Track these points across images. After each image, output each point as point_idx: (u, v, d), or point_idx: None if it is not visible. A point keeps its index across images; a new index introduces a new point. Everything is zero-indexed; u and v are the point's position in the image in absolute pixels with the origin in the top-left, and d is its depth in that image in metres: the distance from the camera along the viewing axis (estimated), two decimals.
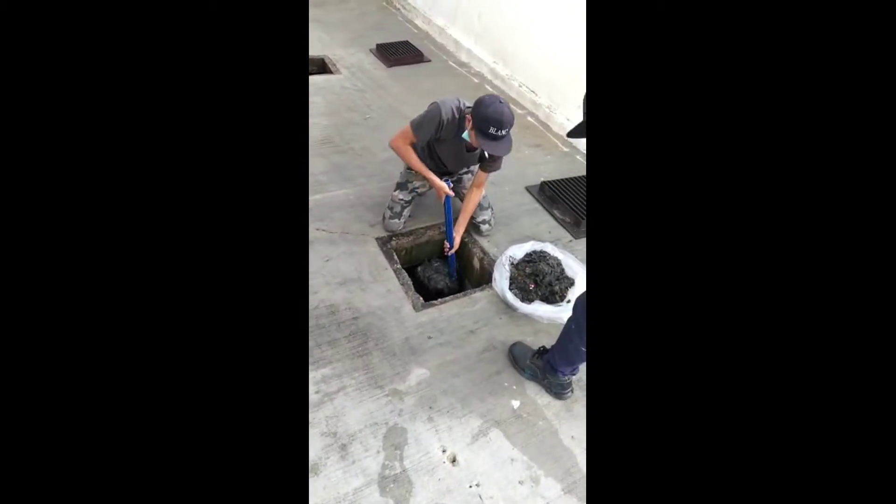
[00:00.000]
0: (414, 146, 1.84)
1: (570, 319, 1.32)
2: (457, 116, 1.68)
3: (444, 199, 1.88)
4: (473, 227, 2.04)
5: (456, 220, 1.92)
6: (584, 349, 1.29)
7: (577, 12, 2.58)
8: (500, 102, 1.53)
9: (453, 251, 1.95)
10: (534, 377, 1.48)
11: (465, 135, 1.65)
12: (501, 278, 1.77)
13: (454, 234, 1.91)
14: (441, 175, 1.98)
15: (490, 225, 2.04)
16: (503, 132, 1.53)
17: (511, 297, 1.71)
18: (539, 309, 1.68)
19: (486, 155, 1.76)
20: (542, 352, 1.46)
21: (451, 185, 1.96)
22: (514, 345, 1.56)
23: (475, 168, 2.02)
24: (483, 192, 1.93)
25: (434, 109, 1.70)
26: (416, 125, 1.74)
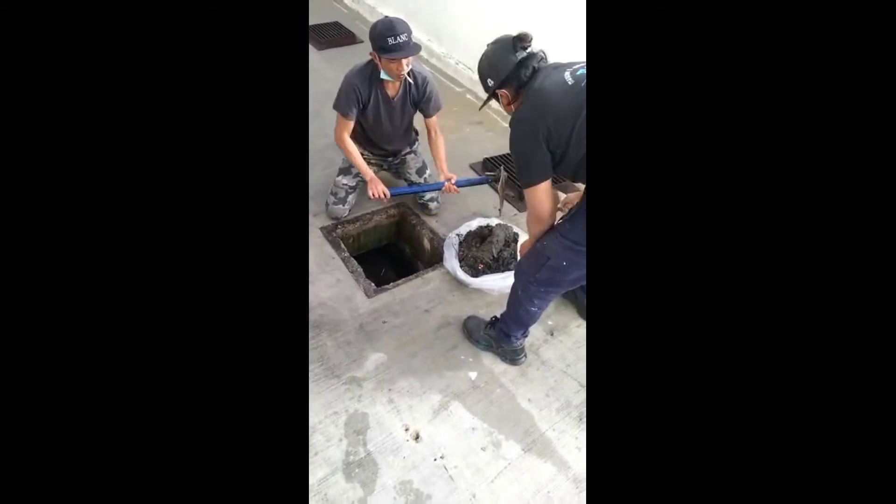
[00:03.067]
0: (354, 135, 1.82)
1: (514, 286, 1.36)
2: (367, 72, 1.68)
3: (382, 198, 1.82)
4: (422, 206, 2.04)
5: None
6: (533, 309, 1.34)
7: None
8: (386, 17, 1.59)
9: (453, 181, 1.84)
10: (488, 347, 1.52)
11: (382, 75, 1.64)
12: (451, 257, 1.79)
13: (441, 170, 1.85)
14: (386, 157, 1.98)
15: (438, 203, 2.04)
16: (402, 37, 1.53)
17: (462, 274, 1.74)
18: (488, 281, 1.72)
19: (413, 102, 1.76)
20: (494, 321, 1.50)
21: (385, 167, 2.00)
22: (467, 319, 1.59)
23: (417, 147, 2.02)
24: (442, 138, 1.90)
25: (343, 81, 1.70)
26: (337, 104, 1.73)
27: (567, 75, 1.07)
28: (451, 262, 1.78)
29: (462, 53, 3.07)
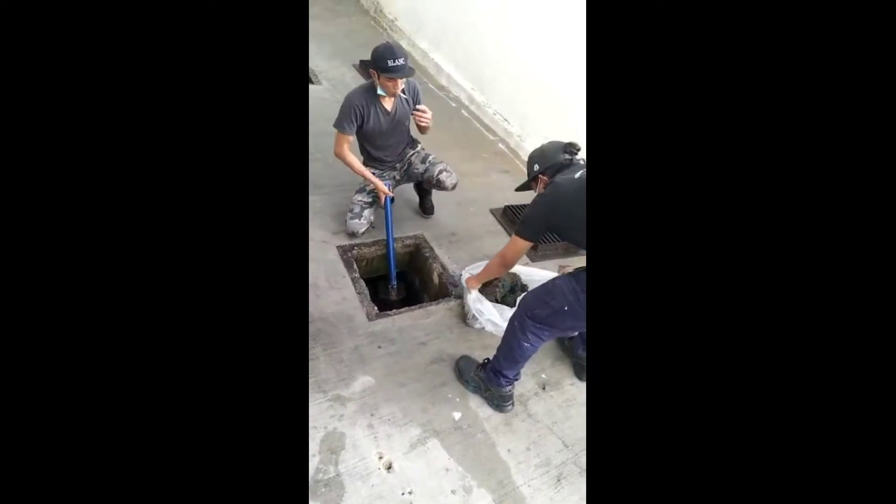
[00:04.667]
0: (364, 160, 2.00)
1: (512, 317, 1.40)
2: (366, 89, 1.86)
3: (384, 200, 1.96)
4: (437, 184, 2.05)
5: (390, 246, 2.01)
6: (526, 345, 1.36)
7: (553, 48, 2.74)
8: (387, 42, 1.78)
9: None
10: (477, 389, 1.52)
11: (379, 91, 1.81)
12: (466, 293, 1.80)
13: (420, 113, 1.90)
14: (394, 166, 2.10)
15: (450, 172, 2.04)
16: (399, 61, 1.71)
17: (477, 302, 1.73)
18: (505, 311, 1.71)
19: (409, 107, 1.91)
20: (486, 363, 1.50)
21: (399, 178, 2.12)
22: (460, 358, 1.60)
23: (419, 148, 2.14)
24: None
25: (343, 101, 1.87)
26: (338, 123, 1.88)
27: (578, 175, 1.35)
28: (468, 295, 1.78)
29: (500, 104, 3.22)
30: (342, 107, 1.86)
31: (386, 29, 4.25)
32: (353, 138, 1.91)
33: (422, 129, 1.98)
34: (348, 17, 4.27)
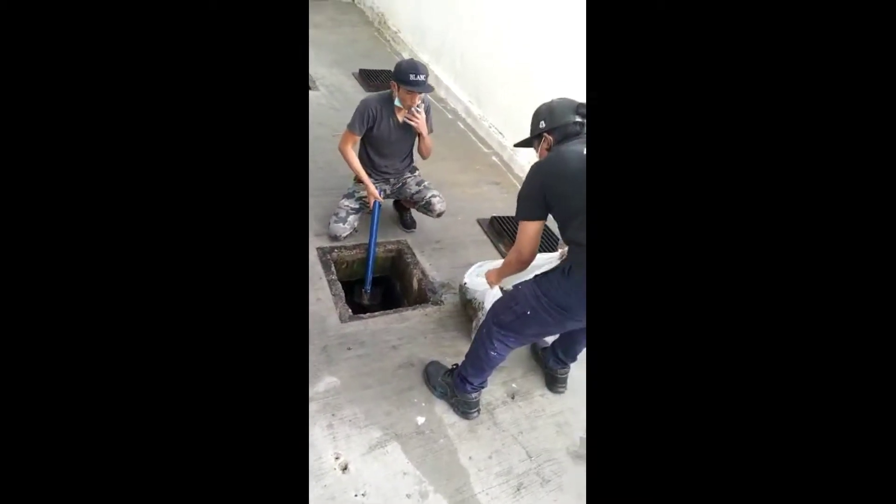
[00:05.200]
0: (360, 158, 2.02)
1: (482, 324, 1.39)
2: (385, 97, 1.92)
3: (373, 204, 2.00)
4: (424, 207, 2.08)
5: (372, 252, 2.02)
6: (492, 353, 1.35)
7: (549, 64, 2.78)
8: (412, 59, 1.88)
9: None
10: (444, 395, 1.51)
11: (396, 102, 1.87)
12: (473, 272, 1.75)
13: (414, 115, 1.93)
14: (388, 179, 2.12)
15: (441, 199, 2.08)
16: (421, 76, 1.79)
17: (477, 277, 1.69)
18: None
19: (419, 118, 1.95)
20: (454, 369, 1.50)
21: (389, 192, 2.13)
22: (429, 363, 1.59)
23: (417, 174, 2.17)
24: (429, 144, 2.03)
25: (360, 103, 1.94)
26: (350, 124, 1.93)
27: (585, 148, 1.20)
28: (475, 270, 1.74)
29: (495, 118, 3.26)
30: (357, 108, 1.93)
31: (389, 41, 4.33)
32: (358, 139, 1.98)
33: (423, 154, 2.04)
34: (352, 26, 4.35)
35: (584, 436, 1.54)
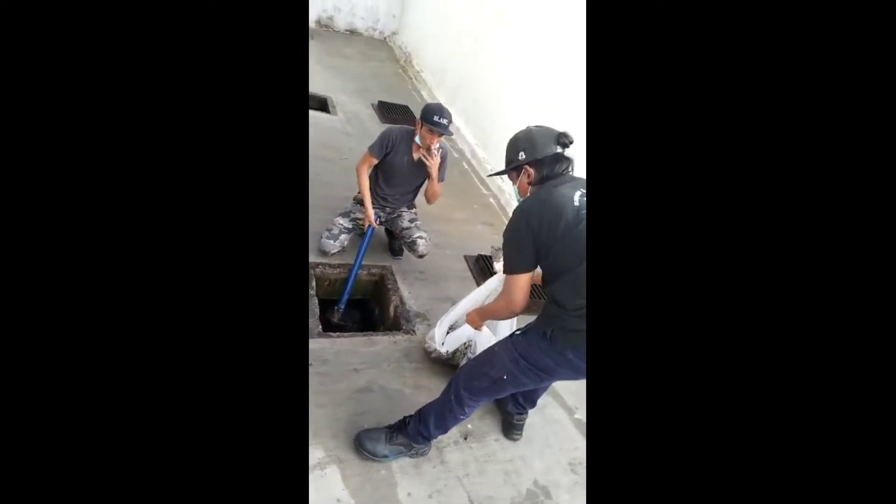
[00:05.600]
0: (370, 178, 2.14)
1: (449, 387, 1.32)
2: (404, 134, 2.05)
3: (367, 227, 2.07)
4: (409, 245, 2.15)
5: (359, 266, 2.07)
6: (461, 416, 1.31)
7: (548, 116, 2.90)
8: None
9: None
10: (399, 454, 1.40)
11: (416, 139, 2.00)
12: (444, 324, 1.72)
13: (430, 157, 2.01)
14: (385, 208, 2.19)
15: (427, 241, 2.12)
16: (444, 120, 1.94)
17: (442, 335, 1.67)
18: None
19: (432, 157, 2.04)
20: (401, 426, 1.39)
21: (383, 219, 2.20)
22: (360, 435, 1.40)
23: (413, 211, 2.24)
24: (437, 189, 2.12)
25: (384, 131, 2.08)
26: (371, 146, 2.06)
27: (577, 196, 1.13)
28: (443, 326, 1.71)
29: (498, 163, 3.36)
30: (381, 133, 2.09)
31: (411, 78, 4.55)
32: (374, 162, 2.09)
33: (429, 199, 2.14)
34: (380, 62, 4.59)
35: (532, 488, 1.51)
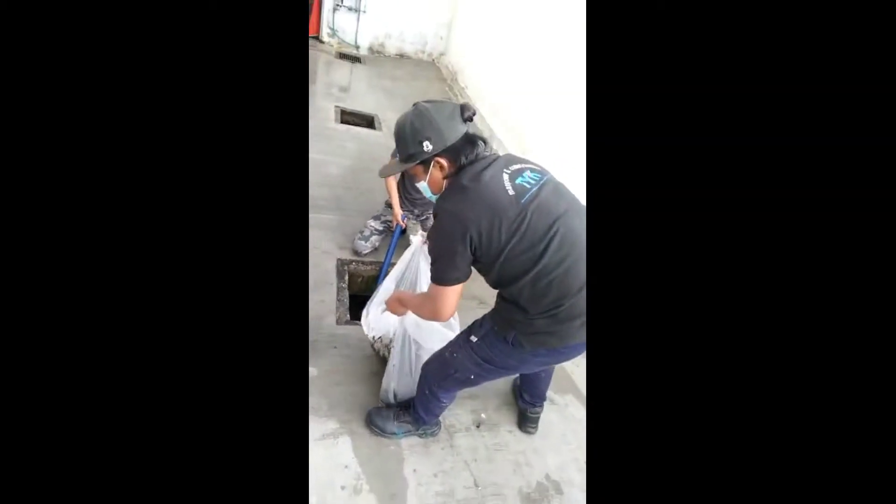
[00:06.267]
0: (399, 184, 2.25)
1: (423, 386, 1.34)
2: None
3: (395, 227, 2.15)
4: None
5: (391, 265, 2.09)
6: (444, 403, 1.35)
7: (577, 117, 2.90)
8: None
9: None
10: (409, 433, 1.46)
11: None
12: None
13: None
14: (412, 210, 2.32)
15: None
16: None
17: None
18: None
19: None
20: (408, 406, 1.45)
21: (414, 220, 2.32)
22: (371, 414, 1.47)
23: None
24: None
25: None
26: (393, 152, 2.16)
27: (506, 180, 0.99)
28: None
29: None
30: None
31: (457, 95, 4.73)
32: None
33: None
34: (427, 81, 4.83)
35: (543, 481, 1.49)
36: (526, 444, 1.59)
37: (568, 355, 1.13)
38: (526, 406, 1.61)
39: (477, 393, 1.68)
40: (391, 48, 5.02)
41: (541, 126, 3.34)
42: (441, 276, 1.02)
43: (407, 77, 4.74)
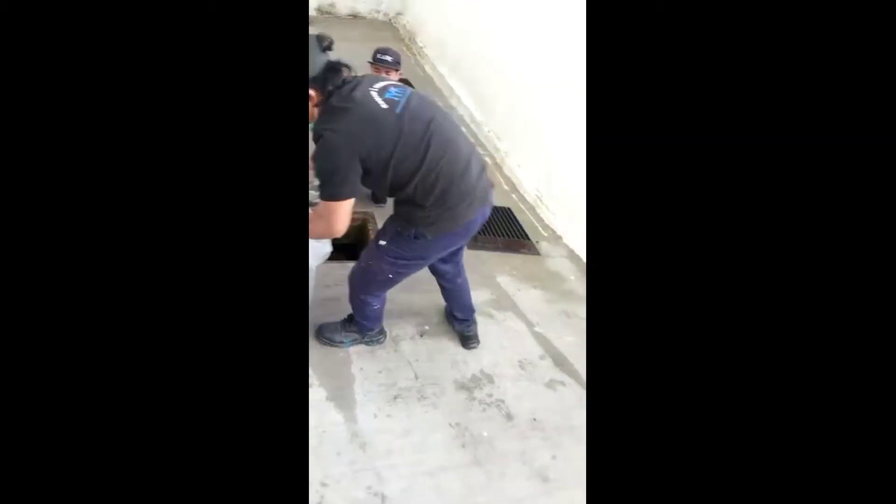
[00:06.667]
0: None
1: (353, 296, 1.51)
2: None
3: None
4: None
5: None
6: (376, 306, 1.53)
7: (545, 78, 3.03)
8: None
9: None
10: (355, 341, 1.64)
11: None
12: None
13: None
14: None
15: None
16: (389, 56, 2.19)
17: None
18: None
19: None
20: (352, 319, 1.61)
21: None
22: (320, 328, 1.63)
23: None
24: None
25: None
26: None
27: (376, 97, 1.11)
28: None
29: (494, 125, 3.55)
30: None
31: (415, 55, 4.78)
32: None
33: None
34: (383, 42, 4.83)
35: (477, 374, 1.70)
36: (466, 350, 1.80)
37: (465, 235, 1.35)
38: (462, 326, 1.77)
39: (421, 309, 1.88)
40: (343, 7, 4.97)
41: (501, 84, 3.46)
42: (335, 191, 1.13)
43: (361, 38, 4.76)
